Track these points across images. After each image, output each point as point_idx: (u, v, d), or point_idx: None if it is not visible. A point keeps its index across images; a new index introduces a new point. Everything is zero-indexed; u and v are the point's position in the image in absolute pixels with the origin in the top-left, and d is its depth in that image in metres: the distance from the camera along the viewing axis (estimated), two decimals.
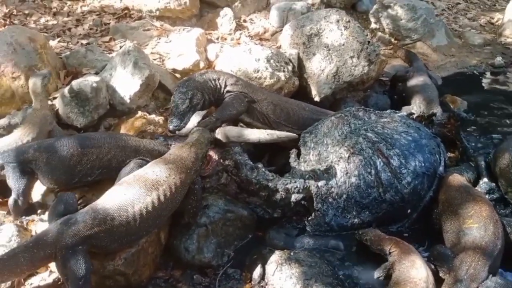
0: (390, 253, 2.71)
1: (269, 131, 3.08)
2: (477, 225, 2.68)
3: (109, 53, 4.13)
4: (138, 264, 2.55)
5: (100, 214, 2.31)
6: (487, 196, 3.24)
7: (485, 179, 3.38)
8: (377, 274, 2.72)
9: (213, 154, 3.09)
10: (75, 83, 3.42)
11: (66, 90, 3.43)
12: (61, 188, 2.87)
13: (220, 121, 3.27)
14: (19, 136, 2.98)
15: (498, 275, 2.56)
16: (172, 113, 3.18)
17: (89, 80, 3.43)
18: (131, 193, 2.40)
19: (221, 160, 3.12)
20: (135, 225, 2.37)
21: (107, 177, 2.88)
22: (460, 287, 2.40)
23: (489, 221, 2.68)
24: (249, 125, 3.46)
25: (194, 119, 3.41)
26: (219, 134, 3.11)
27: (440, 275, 2.62)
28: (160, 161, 2.63)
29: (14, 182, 2.73)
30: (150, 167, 2.58)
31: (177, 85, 3.31)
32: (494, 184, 3.35)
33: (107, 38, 4.48)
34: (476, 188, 3.29)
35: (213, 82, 3.35)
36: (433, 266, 2.65)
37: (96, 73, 3.79)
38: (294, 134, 3.12)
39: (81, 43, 4.35)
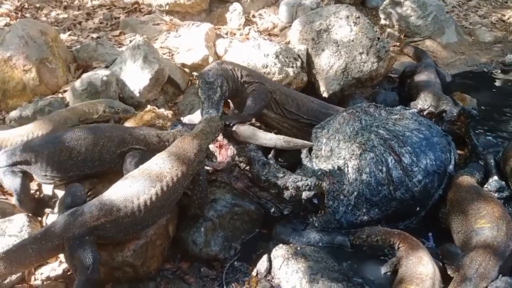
0: (398, 248, 2.71)
1: (286, 137, 3.06)
2: (489, 225, 2.66)
3: (119, 47, 4.16)
4: (146, 256, 2.57)
5: (106, 206, 2.34)
6: (496, 194, 3.23)
7: (495, 177, 3.35)
8: (384, 269, 2.72)
9: (228, 149, 3.10)
10: (85, 76, 3.45)
11: (76, 83, 3.46)
12: (66, 181, 2.89)
13: (253, 116, 3.29)
14: (32, 129, 3.01)
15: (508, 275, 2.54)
16: (205, 105, 3.13)
17: (99, 74, 3.45)
18: (136, 186, 2.43)
19: (236, 156, 3.12)
20: (140, 215, 2.40)
21: (105, 169, 2.87)
22: (469, 285, 2.39)
23: (502, 222, 2.66)
24: (264, 116, 3.47)
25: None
26: (234, 132, 3.11)
27: (449, 272, 2.62)
28: (164, 153, 2.64)
29: (9, 184, 2.75)
30: (154, 160, 2.60)
31: (201, 77, 3.26)
32: (504, 182, 3.32)
33: (117, 32, 4.50)
34: (485, 186, 3.27)
35: (231, 71, 3.34)
36: (440, 264, 2.64)
37: (106, 67, 3.82)
38: (311, 143, 3.12)
39: (92, 37, 4.38)
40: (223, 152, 3.11)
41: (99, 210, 2.33)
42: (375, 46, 4.11)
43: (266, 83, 3.46)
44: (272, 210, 3.10)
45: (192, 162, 2.64)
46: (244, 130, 3.12)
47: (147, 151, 2.89)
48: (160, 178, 2.48)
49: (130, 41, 4.13)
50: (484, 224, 2.67)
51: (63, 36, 4.23)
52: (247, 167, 3.09)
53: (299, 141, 3.07)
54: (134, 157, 2.83)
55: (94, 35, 4.43)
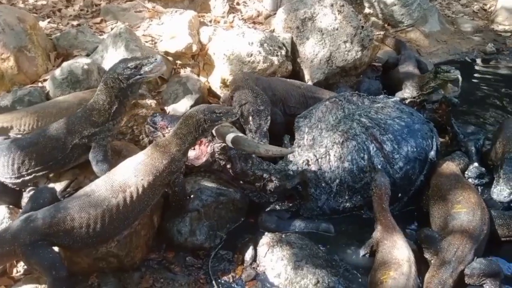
0: (376, 227, 2.77)
1: (265, 146, 2.98)
2: (465, 210, 2.75)
3: (100, 35, 4.07)
4: (130, 246, 2.56)
5: (60, 213, 2.26)
6: (476, 181, 3.32)
7: (475, 164, 3.43)
8: (363, 251, 2.79)
9: (207, 145, 3.04)
10: (65, 65, 3.37)
11: (56, 72, 3.38)
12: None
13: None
14: (42, 108, 3.02)
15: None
16: (257, 135, 3.11)
17: (80, 62, 3.38)
18: (95, 195, 2.33)
19: (216, 153, 3.04)
20: (98, 227, 2.29)
21: (65, 166, 2.78)
22: (448, 268, 2.46)
23: (477, 207, 2.75)
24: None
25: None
26: (215, 131, 3.06)
27: (426, 256, 2.69)
28: (132, 161, 2.51)
29: None
30: (120, 168, 2.48)
31: (249, 100, 3.23)
32: (484, 169, 3.41)
33: (98, 20, 4.40)
34: (466, 172, 3.35)
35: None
36: (415, 246, 2.71)
37: (87, 55, 3.74)
38: (289, 150, 3.07)
39: (72, 25, 4.27)
40: (203, 148, 3.03)
41: (52, 218, 2.24)
42: (359, 35, 4.12)
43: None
44: (257, 198, 3.12)
45: (161, 172, 2.47)
46: (224, 134, 2.97)
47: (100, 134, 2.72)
48: (123, 188, 2.36)
49: (112, 29, 4.04)
50: (460, 209, 2.75)
51: (42, 24, 4.12)
52: (229, 165, 3.05)
53: (278, 150, 2.97)
54: (97, 154, 2.70)
55: (75, 23, 4.32)
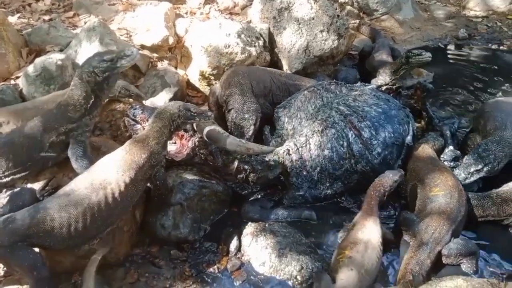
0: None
1: (247, 144, 2.96)
2: (443, 192, 2.83)
3: (73, 29, 3.98)
4: (113, 242, 2.55)
5: (40, 214, 2.21)
6: (452, 164, 3.41)
7: (451, 147, 3.53)
8: (340, 235, 2.85)
9: (189, 140, 3.02)
10: (38, 61, 3.28)
11: (29, 68, 3.30)
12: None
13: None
14: (46, 100, 2.96)
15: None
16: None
17: (53, 58, 3.30)
18: (76, 193, 2.29)
19: (197, 148, 3.03)
20: (80, 226, 2.25)
21: (44, 166, 2.73)
22: (426, 250, 2.55)
23: (454, 190, 2.84)
24: None
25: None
26: (196, 127, 3.01)
27: (406, 238, 2.77)
28: (111, 157, 2.48)
29: None
30: (99, 164, 2.45)
31: (235, 107, 3.21)
32: (459, 152, 3.52)
33: (70, 14, 4.29)
34: (442, 156, 3.44)
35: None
36: (391, 236, 2.76)
37: (61, 50, 3.65)
38: (270, 148, 3.06)
39: (43, 19, 4.16)
40: (184, 142, 3.01)
41: (32, 218, 2.19)
42: (335, 24, 4.15)
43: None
44: (239, 190, 3.14)
45: (141, 167, 2.46)
46: (207, 131, 2.94)
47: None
48: (104, 185, 2.32)
49: (85, 23, 3.96)
50: (438, 192, 2.83)
51: (12, 19, 3.99)
52: (210, 158, 3.05)
53: (258, 148, 2.97)
54: (76, 151, 2.65)
55: (46, 17, 4.20)
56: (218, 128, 2.94)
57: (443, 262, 2.61)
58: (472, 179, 3.18)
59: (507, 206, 2.91)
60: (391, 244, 2.77)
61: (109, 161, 2.46)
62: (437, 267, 2.62)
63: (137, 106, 3.06)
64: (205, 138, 2.91)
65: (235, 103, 3.34)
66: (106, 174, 2.37)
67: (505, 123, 3.48)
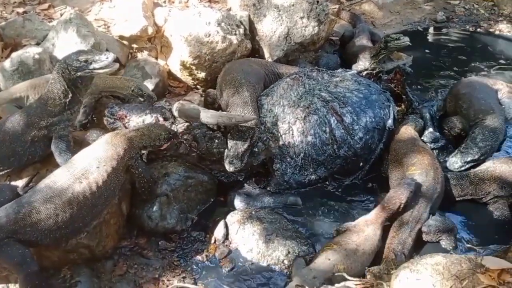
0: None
1: (227, 114, 3.01)
2: (419, 171, 2.91)
3: (49, 22, 3.89)
4: (101, 235, 2.56)
5: (24, 208, 2.21)
6: (432, 145, 3.51)
7: (430, 129, 3.62)
8: (334, 232, 2.77)
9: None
10: (15, 55, 3.23)
11: (6, 63, 3.24)
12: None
13: None
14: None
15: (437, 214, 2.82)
16: (230, 153, 2.97)
17: (30, 52, 3.24)
18: (59, 184, 2.29)
19: (180, 135, 3.06)
20: (66, 216, 2.26)
21: (28, 162, 2.72)
22: (407, 229, 2.64)
23: (430, 168, 2.92)
24: None
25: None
26: (176, 111, 3.06)
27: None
28: (92, 148, 2.51)
29: None
30: (81, 155, 2.47)
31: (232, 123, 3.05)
32: (438, 133, 3.61)
33: (45, 6, 4.19)
34: (422, 137, 3.53)
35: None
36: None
37: (37, 44, 3.59)
38: (252, 117, 3.06)
39: (17, 12, 4.05)
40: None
41: (17, 213, 2.19)
42: (315, 10, 4.15)
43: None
44: (225, 178, 3.16)
45: (122, 157, 2.51)
46: (185, 109, 3.02)
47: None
48: (86, 175, 2.35)
49: (61, 15, 3.88)
50: (414, 171, 2.91)
51: None
52: (194, 144, 3.07)
53: (240, 117, 3.01)
54: (59, 145, 2.65)
55: (20, 10, 4.10)
56: (188, 103, 2.95)
57: (424, 239, 2.71)
58: (467, 166, 3.29)
59: (484, 185, 3.02)
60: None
61: (89, 152, 2.48)
62: (419, 246, 2.72)
63: (114, 105, 3.07)
64: (177, 116, 2.92)
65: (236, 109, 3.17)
66: (89, 164, 2.40)
67: (491, 107, 3.57)
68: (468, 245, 2.69)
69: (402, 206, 2.66)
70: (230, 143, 3.00)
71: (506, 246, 2.58)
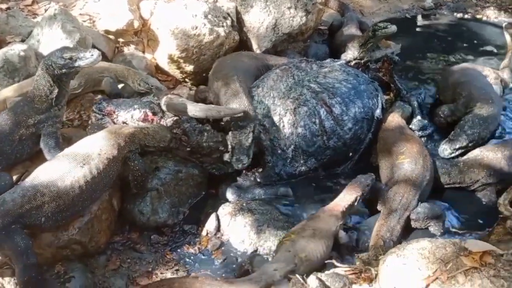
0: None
1: (216, 107, 3.02)
2: (408, 159, 2.96)
3: (33, 18, 3.84)
4: (93, 231, 2.57)
5: (29, 192, 2.28)
6: (420, 133, 3.56)
7: (418, 117, 3.67)
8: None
9: (159, 122, 3.04)
10: (0, 53, 3.18)
11: None
12: None
13: None
14: None
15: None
16: (236, 151, 2.99)
17: (15, 49, 3.20)
18: (61, 169, 2.37)
19: (170, 129, 3.07)
20: (68, 199, 2.35)
21: (17, 160, 2.72)
22: (395, 216, 2.69)
23: (419, 156, 2.97)
24: None
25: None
26: (165, 106, 3.06)
27: (378, 208, 2.89)
28: (94, 137, 2.59)
29: None
30: (82, 142, 2.54)
31: (231, 120, 3.07)
32: (426, 121, 3.66)
33: (29, 1, 4.12)
34: (410, 125, 3.57)
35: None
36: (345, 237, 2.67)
37: (22, 41, 3.54)
38: (240, 109, 3.07)
39: (0, 8, 3.99)
40: (151, 117, 3.07)
41: (23, 197, 2.26)
42: (302, 0, 4.13)
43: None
44: (215, 171, 3.18)
45: (122, 148, 2.60)
46: (173, 103, 3.03)
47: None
48: (87, 160, 2.43)
49: (45, 10, 3.82)
50: (404, 159, 2.96)
51: None
52: (184, 138, 3.08)
53: (229, 110, 3.03)
54: (48, 142, 2.67)
55: (3, 6, 4.03)
56: (177, 97, 2.98)
57: (412, 226, 2.76)
58: (457, 153, 3.34)
59: (473, 173, 3.06)
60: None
61: (91, 139, 2.56)
62: (408, 232, 2.77)
63: (102, 100, 3.07)
64: (166, 110, 2.95)
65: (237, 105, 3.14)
66: (89, 151, 2.49)
67: (490, 96, 3.59)
68: (454, 230, 2.75)
69: (358, 198, 2.73)
70: (233, 140, 3.01)
71: (490, 229, 2.64)
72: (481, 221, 2.87)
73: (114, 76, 3.29)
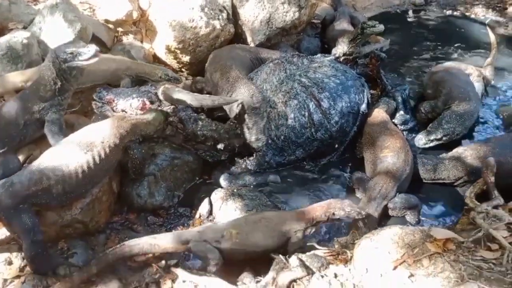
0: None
1: (211, 96, 3.20)
2: (392, 153, 3.17)
3: (35, 5, 3.94)
4: (94, 212, 2.76)
5: (36, 175, 2.44)
6: (402, 127, 3.77)
7: (401, 112, 3.88)
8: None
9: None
10: (3, 40, 3.29)
11: None
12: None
13: None
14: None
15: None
16: (253, 131, 3.28)
17: (18, 36, 3.31)
18: (66, 154, 2.54)
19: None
20: (72, 182, 2.51)
21: (21, 143, 2.88)
22: (374, 204, 2.91)
23: (401, 151, 3.17)
24: None
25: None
26: (162, 95, 3.23)
27: (358, 195, 3.13)
28: (98, 125, 2.75)
29: None
30: (86, 130, 2.70)
31: (245, 100, 3.23)
32: (408, 116, 3.88)
33: None
34: (393, 120, 3.78)
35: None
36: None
37: (24, 28, 3.64)
38: (235, 99, 3.25)
39: None
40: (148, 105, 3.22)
41: (30, 180, 2.42)
42: None
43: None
44: (209, 158, 3.37)
45: (123, 138, 2.77)
46: (170, 93, 3.20)
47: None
48: (91, 147, 2.59)
49: None
50: (388, 153, 3.17)
51: None
52: (180, 126, 3.27)
53: (223, 99, 3.22)
54: (52, 128, 2.82)
55: None
56: (173, 87, 3.16)
57: (389, 214, 2.99)
58: (431, 145, 3.57)
59: (457, 171, 3.19)
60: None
61: (95, 128, 2.71)
62: (386, 220, 3.00)
63: (101, 89, 3.21)
64: (163, 99, 3.12)
65: (244, 94, 3.29)
66: (93, 138, 2.64)
67: (468, 95, 3.80)
68: (424, 219, 2.98)
69: (330, 219, 2.56)
70: (250, 122, 3.26)
71: (456, 219, 2.88)
72: (451, 212, 3.10)
73: (134, 74, 3.50)
